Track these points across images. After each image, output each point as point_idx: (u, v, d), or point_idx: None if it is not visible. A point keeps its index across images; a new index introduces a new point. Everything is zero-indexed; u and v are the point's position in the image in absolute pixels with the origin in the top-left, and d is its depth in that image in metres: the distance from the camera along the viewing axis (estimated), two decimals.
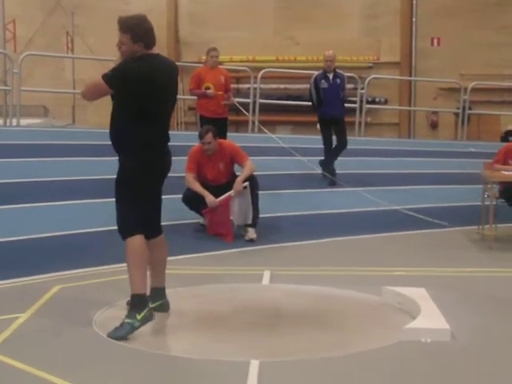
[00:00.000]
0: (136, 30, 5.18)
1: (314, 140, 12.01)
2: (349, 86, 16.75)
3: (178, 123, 17.42)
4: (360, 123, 14.98)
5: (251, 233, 8.51)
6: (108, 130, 5.36)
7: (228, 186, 8.58)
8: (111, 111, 5.36)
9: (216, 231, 8.46)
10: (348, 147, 11.23)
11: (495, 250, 8.34)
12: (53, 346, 4.92)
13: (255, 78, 14.43)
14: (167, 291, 5.69)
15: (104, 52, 12.74)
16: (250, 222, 8.54)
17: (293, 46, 17.81)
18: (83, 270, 6.92)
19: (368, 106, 15.64)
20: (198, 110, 10.91)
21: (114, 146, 5.38)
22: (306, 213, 9.86)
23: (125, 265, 5.33)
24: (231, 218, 8.47)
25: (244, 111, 12.86)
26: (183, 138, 10.42)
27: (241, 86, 16.99)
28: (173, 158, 5.49)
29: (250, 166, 8.65)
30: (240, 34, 17.46)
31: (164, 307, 5.64)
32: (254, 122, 13.71)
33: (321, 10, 17.62)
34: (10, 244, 7.61)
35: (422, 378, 4.51)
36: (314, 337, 5.30)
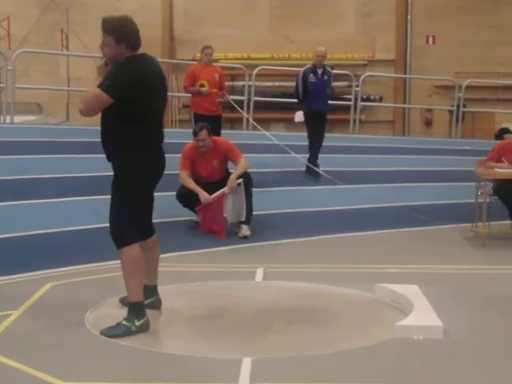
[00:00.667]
0: (120, 31, 5.06)
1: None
2: (343, 83, 16.87)
3: (172, 121, 17.42)
4: (355, 120, 14.98)
5: (245, 230, 8.50)
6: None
7: (222, 183, 8.56)
8: (101, 113, 5.17)
9: (209, 228, 8.43)
10: (343, 144, 11.24)
11: (488, 248, 8.36)
12: (44, 344, 4.90)
13: (250, 75, 14.43)
14: (160, 288, 5.68)
15: (98, 49, 12.70)
16: (243, 219, 8.54)
17: (288, 44, 17.82)
18: (75, 267, 6.91)
19: (363, 103, 15.63)
20: (192, 108, 10.89)
21: (105, 150, 5.24)
22: (299, 210, 9.86)
23: (117, 262, 5.32)
24: (225, 215, 8.46)
25: (238, 108, 12.84)
26: (177, 135, 10.40)
27: (235, 83, 17.00)
28: (166, 155, 5.45)
29: (243, 163, 8.64)
30: (235, 31, 17.47)
31: (156, 304, 5.64)
32: (248, 120, 13.70)
33: (316, 7, 17.65)
34: (2, 241, 7.57)
35: (414, 374, 4.51)
36: (307, 334, 5.30)
